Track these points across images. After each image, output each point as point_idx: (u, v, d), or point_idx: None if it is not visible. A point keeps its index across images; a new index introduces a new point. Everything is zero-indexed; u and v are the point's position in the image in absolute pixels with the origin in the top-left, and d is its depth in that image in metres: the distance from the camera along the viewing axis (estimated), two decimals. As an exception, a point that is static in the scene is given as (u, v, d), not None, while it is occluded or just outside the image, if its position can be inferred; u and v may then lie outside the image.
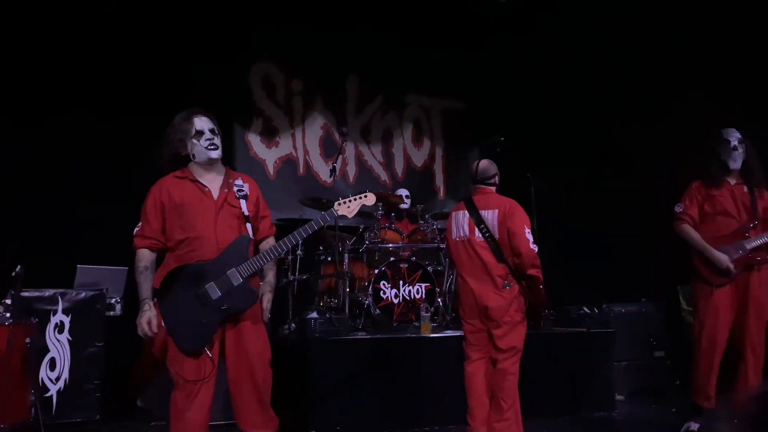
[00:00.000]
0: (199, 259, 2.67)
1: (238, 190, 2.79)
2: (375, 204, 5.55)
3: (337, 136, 6.72)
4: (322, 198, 5.51)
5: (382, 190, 5.99)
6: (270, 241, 2.93)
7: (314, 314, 4.24)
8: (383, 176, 7.27)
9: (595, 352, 4.82)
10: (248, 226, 2.78)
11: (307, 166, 6.81)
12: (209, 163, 2.78)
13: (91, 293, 4.19)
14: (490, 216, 3.50)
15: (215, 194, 2.77)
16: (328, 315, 4.32)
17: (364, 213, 6.13)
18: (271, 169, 6.61)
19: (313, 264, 5.41)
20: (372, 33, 6.83)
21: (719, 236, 3.77)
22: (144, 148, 5.60)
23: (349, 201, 2.87)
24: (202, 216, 2.72)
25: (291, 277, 5.17)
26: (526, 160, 5.82)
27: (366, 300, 4.85)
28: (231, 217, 2.77)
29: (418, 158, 7.58)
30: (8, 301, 3.41)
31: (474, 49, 7.25)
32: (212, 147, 2.76)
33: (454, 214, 3.64)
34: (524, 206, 5.21)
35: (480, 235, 3.44)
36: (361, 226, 5.62)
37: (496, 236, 3.42)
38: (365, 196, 2.89)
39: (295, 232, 2.77)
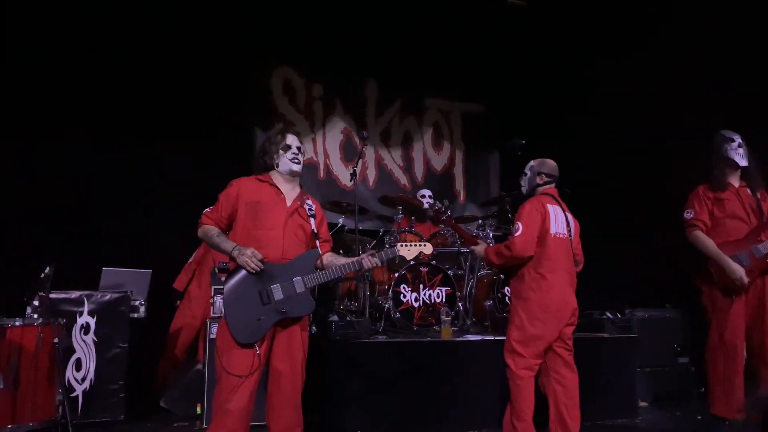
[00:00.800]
0: (264, 256, 2.84)
1: (309, 209, 3.04)
2: (394, 207, 5.65)
3: (357, 140, 6.76)
4: (342, 202, 5.54)
5: (402, 194, 5.99)
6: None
7: (334, 317, 4.25)
8: (403, 180, 7.28)
9: (617, 357, 4.76)
10: (316, 242, 3.03)
11: (328, 170, 6.85)
12: (291, 174, 3.04)
13: (116, 295, 4.26)
14: (571, 219, 3.60)
15: (289, 202, 3.00)
16: (348, 318, 4.33)
17: (383, 216, 6.20)
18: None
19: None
20: (390, 38, 6.85)
21: (731, 241, 3.72)
22: (166, 156, 5.80)
23: (411, 245, 3.09)
24: (274, 217, 2.93)
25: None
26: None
27: (386, 303, 4.86)
28: (298, 227, 2.99)
29: (438, 162, 7.58)
30: (36, 303, 3.48)
31: (492, 53, 7.24)
32: (296, 161, 3.04)
33: (550, 207, 3.52)
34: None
35: (571, 237, 3.55)
36: (381, 230, 5.63)
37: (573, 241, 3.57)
38: (424, 245, 3.12)
39: (365, 257, 3.01)
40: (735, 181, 3.83)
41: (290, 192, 3.03)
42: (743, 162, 3.79)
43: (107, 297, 4.22)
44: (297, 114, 6.77)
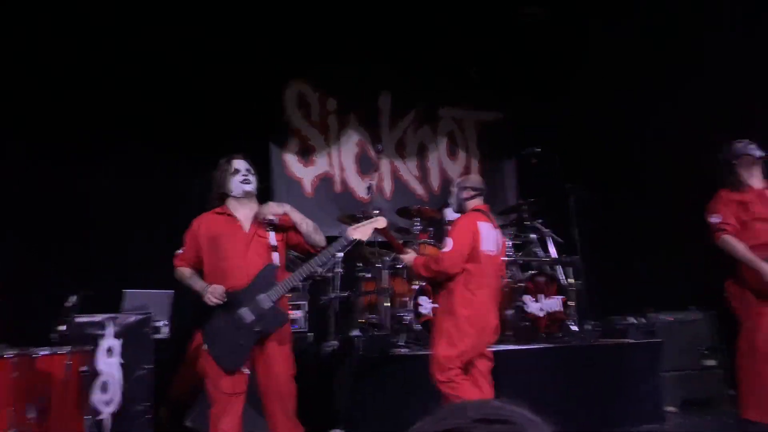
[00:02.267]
0: (231, 285, 3.02)
1: (268, 223, 3.14)
2: (411, 219, 5.65)
3: (372, 152, 6.78)
4: (358, 215, 5.55)
5: (419, 205, 5.97)
6: None
7: (357, 332, 4.26)
8: (419, 190, 7.28)
9: (642, 363, 4.73)
10: (274, 255, 3.11)
11: (344, 183, 6.88)
12: (245, 196, 3.18)
13: (139, 317, 4.29)
14: (500, 237, 3.71)
15: (246, 226, 3.14)
16: (370, 333, 4.34)
17: (401, 229, 6.19)
18: (308, 187, 6.69)
19: (353, 281, 5.44)
20: (402, 49, 6.88)
21: (759, 244, 3.62)
22: (184, 178, 5.86)
23: (362, 225, 3.19)
24: (234, 246, 3.09)
25: (332, 295, 5.20)
26: (564, 171, 5.76)
27: (407, 316, 4.85)
28: (262, 248, 3.11)
29: (454, 171, 7.56)
30: (63, 328, 3.53)
31: (504, 62, 7.24)
32: (247, 182, 3.18)
33: (481, 224, 3.59)
34: (562, 216, 5.22)
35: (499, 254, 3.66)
36: (401, 242, 5.62)
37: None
38: (376, 220, 3.20)
39: (315, 258, 3.16)
40: (756, 182, 3.76)
41: (248, 216, 3.15)
42: (758, 152, 3.74)
43: (131, 319, 4.25)
44: (311, 129, 6.81)
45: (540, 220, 5.61)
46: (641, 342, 4.81)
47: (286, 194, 6.42)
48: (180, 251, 3.22)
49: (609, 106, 6.73)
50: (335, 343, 4.42)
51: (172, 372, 4.72)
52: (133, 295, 4.55)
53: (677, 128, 6.02)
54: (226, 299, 2.99)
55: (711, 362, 5.25)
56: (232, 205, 3.18)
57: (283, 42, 6.47)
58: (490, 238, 3.60)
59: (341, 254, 5.28)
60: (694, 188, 4.98)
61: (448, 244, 3.52)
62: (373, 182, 5.03)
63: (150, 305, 4.55)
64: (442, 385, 3.40)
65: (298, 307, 4.53)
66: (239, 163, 3.22)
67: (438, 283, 3.64)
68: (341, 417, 4.06)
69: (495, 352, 4.47)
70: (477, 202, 3.78)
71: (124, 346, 4.19)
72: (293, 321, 4.53)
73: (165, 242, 5.47)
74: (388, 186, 7.10)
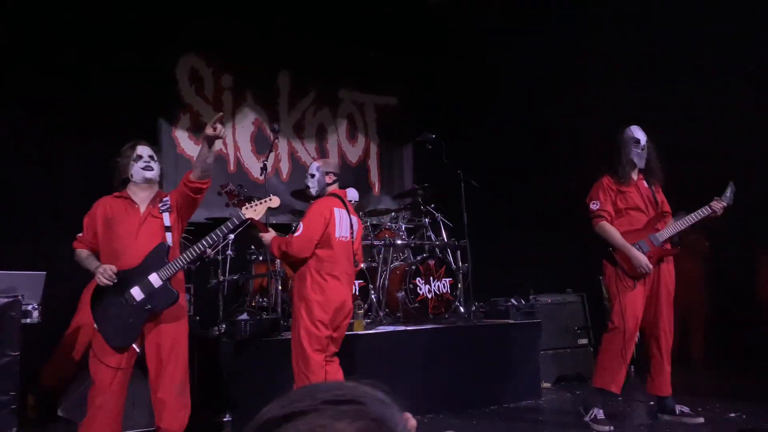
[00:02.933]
0: (123, 265, 3.05)
1: (162, 205, 3.16)
2: (307, 201, 5.60)
3: (268, 132, 6.64)
4: (252, 196, 5.42)
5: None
6: None
7: (244, 315, 4.18)
8: (317, 172, 7.22)
9: (522, 342, 4.99)
10: (168, 235, 3.15)
11: (238, 162, 6.69)
12: (148, 182, 3.20)
13: (5, 300, 3.97)
14: (356, 222, 3.83)
15: (142, 209, 3.18)
16: (258, 316, 4.28)
17: (296, 211, 6.13)
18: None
19: (244, 264, 5.33)
20: (303, 28, 6.76)
21: (632, 230, 3.97)
22: (63, 148, 5.47)
23: (255, 204, 3.22)
24: (127, 227, 3.12)
25: (221, 278, 5.07)
26: (458, 157, 5.93)
27: (298, 298, 4.82)
28: (155, 229, 3.14)
29: (353, 154, 7.58)
30: None
31: (407, 47, 7.31)
32: (148, 168, 3.19)
33: (336, 210, 3.69)
34: (456, 202, 5.39)
35: (353, 239, 3.76)
36: (294, 224, 5.57)
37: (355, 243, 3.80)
38: (270, 200, 3.24)
39: (206, 237, 3.14)
40: (634, 174, 4.07)
41: (145, 200, 3.19)
42: (642, 164, 4.06)
43: (-5, 302, 3.93)
44: (205, 104, 6.56)
45: (432, 205, 5.76)
46: (522, 322, 5.08)
47: (176, 173, 6.15)
48: (80, 234, 3.26)
49: (504, 93, 7.01)
50: (222, 327, 4.31)
51: (42, 359, 4.41)
52: (-1, 277, 4.19)
53: (566, 119, 6.38)
54: (116, 279, 3.02)
55: (583, 341, 5.66)
56: (132, 190, 3.22)
57: (174, 12, 6.14)
58: (344, 223, 3.71)
59: (232, 235, 5.17)
60: (577, 176, 5.31)
61: (300, 228, 3.62)
62: (267, 162, 4.91)
63: (19, 288, 4.21)
64: (299, 369, 3.51)
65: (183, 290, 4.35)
66: (142, 150, 3.24)
67: (293, 267, 3.75)
68: (229, 402, 3.99)
69: (384, 333, 4.62)
70: (335, 187, 3.89)
71: (-14, 332, 3.87)
72: (178, 304, 4.36)
73: (38, 219, 5.14)
74: (285, 167, 7.00)
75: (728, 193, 3.97)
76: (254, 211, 3.17)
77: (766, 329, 5.51)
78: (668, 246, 4.00)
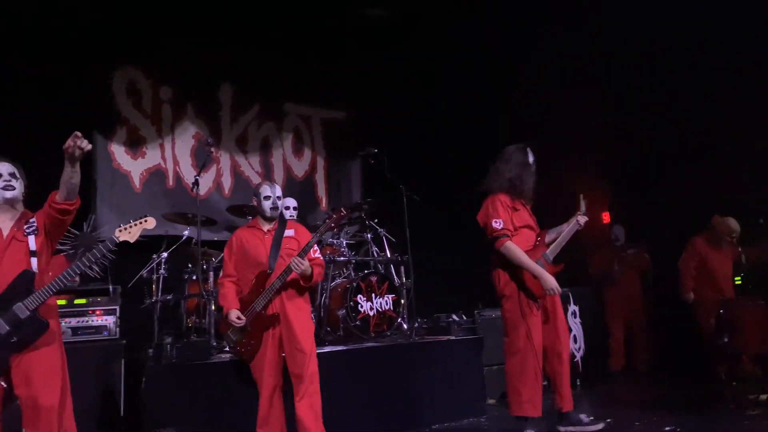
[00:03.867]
0: None
1: (28, 227, 2.91)
2: (245, 217, 5.45)
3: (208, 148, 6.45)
4: (188, 213, 5.26)
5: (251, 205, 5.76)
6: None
7: (170, 339, 4.00)
8: (262, 187, 7.06)
9: (465, 358, 4.92)
10: (33, 261, 2.89)
11: (177, 177, 6.48)
12: (5, 203, 2.93)
13: None
14: None
15: (6, 231, 2.91)
16: (186, 338, 4.10)
17: (234, 227, 5.95)
18: (137, 181, 6.22)
19: (179, 283, 5.14)
20: (247, 41, 6.63)
21: (529, 249, 3.84)
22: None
23: (130, 226, 3.01)
24: None
25: (154, 298, 4.87)
26: (402, 171, 5.87)
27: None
28: (19, 254, 2.88)
29: (299, 168, 7.45)
30: None
31: (352, 61, 7.25)
32: (8, 188, 2.92)
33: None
34: (397, 216, 5.31)
35: None
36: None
37: None
38: (145, 221, 3.04)
39: (77, 261, 2.93)
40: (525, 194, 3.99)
41: (7, 221, 2.94)
42: (531, 187, 3.99)
43: None
44: (143, 118, 6.35)
45: (376, 220, 5.67)
46: (463, 338, 5.02)
47: (110, 188, 5.94)
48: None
49: (445, 107, 7.01)
50: (150, 350, 4.11)
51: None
52: None
53: (511, 131, 6.39)
54: None
55: (528, 355, 5.61)
56: None
57: (110, 21, 5.94)
58: None
59: (165, 254, 4.98)
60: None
61: (318, 251, 3.88)
62: (200, 177, 4.76)
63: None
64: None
65: (109, 313, 4.14)
66: (1, 167, 2.96)
67: (308, 288, 3.83)
68: (155, 428, 3.79)
69: (325, 354, 4.47)
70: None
71: None
72: (104, 328, 4.15)
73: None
74: (227, 182, 6.83)
75: (582, 206, 4.02)
76: (128, 233, 2.98)
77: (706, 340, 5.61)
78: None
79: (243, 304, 3.70)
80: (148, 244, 5.03)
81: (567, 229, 3.97)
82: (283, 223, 3.85)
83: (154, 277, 4.95)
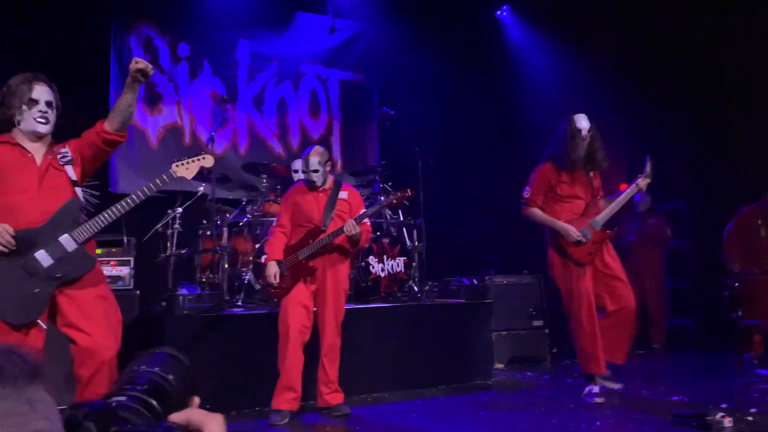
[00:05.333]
0: (21, 224, 2.51)
1: (62, 157, 2.68)
2: (259, 176, 5.46)
3: (223, 104, 6.44)
4: (204, 169, 5.26)
5: (269, 163, 5.77)
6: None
7: (183, 290, 4.06)
8: (278, 148, 7.05)
9: (474, 322, 4.94)
10: (78, 190, 2.69)
11: (194, 135, 6.48)
12: (34, 135, 2.67)
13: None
14: None
15: (39, 159, 2.66)
16: (201, 291, 4.15)
17: (248, 186, 5.99)
18: (153, 138, 6.24)
19: (194, 238, 5.19)
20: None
21: (574, 218, 3.95)
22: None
23: (188, 162, 2.88)
24: (24, 179, 2.59)
25: (169, 252, 4.93)
26: (416, 134, 5.83)
27: (246, 275, 4.71)
28: (56, 183, 2.65)
29: (315, 130, 7.40)
30: None
31: (371, 23, 7.15)
32: (43, 120, 2.65)
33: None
34: (412, 179, 5.29)
35: None
36: (245, 199, 5.44)
37: None
38: (203, 158, 2.93)
39: (132, 194, 2.71)
40: (575, 163, 3.98)
41: (39, 149, 2.68)
42: (583, 153, 3.95)
43: None
44: (160, 74, 6.33)
45: (390, 183, 5.65)
46: (473, 302, 5.03)
47: (127, 144, 5.91)
48: None
49: (471, 73, 6.90)
50: (163, 302, 4.18)
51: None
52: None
53: (532, 98, 6.31)
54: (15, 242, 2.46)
55: (538, 323, 5.64)
56: (19, 137, 2.66)
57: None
58: None
59: (180, 209, 5.02)
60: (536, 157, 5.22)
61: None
62: (215, 134, 4.76)
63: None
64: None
65: (123, 264, 4.21)
66: (41, 92, 2.64)
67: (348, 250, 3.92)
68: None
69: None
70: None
71: None
72: (118, 278, 4.22)
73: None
74: (243, 141, 6.81)
75: (647, 167, 3.96)
76: (186, 170, 2.86)
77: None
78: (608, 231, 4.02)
79: (287, 250, 3.83)
80: (164, 199, 5.07)
81: (624, 193, 3.98)
82: (338, 185, 3.97)
83: (169, 232, 4.99)
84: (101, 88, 5.93)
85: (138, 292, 4.22)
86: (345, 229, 3.65)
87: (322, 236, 3.74)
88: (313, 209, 3.87)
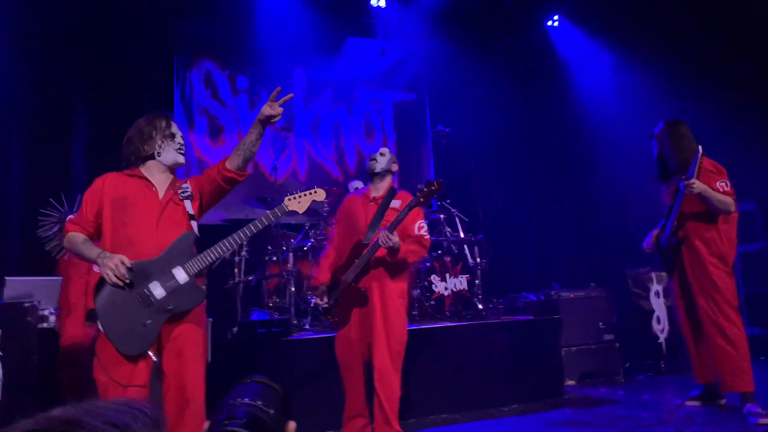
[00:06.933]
0: (138, 254, 2.57)
1: (183, 192, 2.75)
2: (320, 201, 5.56)
3: (283, 132, 6.63)
4: (267, 197, 5.43)
5: (333, 187, 5.89)
6: None
7: (256, 316, 4.16)
8: (335, 171, 7.20)
9: (543, 339, 4.83)
10: (193, 224, 2.73)
11: (255, 164, 6.69)
12: (174, 166, 2.79)
13: (22, 305, 4.03)
14: None
15: (161, 193, 2.73)
16: (272, 316, 4.25)
17: (310, 210, 6.09)
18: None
19: (260, 264, 5.33)
20: (315, 25, 6.75)
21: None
22: (74, 157, 5.55)
23: (300, 196, 2.91)
24: (145, 210, 2.66)
25: (237, 279, 5.07)
26: (472, 150, 5.82)
27: (312, 298, 4.78)
28: (175, 217, 2.71)
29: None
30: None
31: (420, 43, 7.23)
32: (181, 152, 2.79)
33: None
34: (470, 194, 5.27)
35: None
36: (307, 224, 5.55)
37: None
38: (315, 192, 2.94)
39: (244, 228, 2.76)
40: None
41: (163, 183, 2.74)
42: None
43: (12, 307, 3.99)
44: (221, 107, 6.59)
45: (448, 200, 5.65)
46: (541, 318, 4.93)
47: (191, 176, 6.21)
48: (73, 215, 2.78)
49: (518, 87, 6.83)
50: (235, 329, 4.30)
51: (59, 364, 4.47)
52: (15, 283, 4.26)
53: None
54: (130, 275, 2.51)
55: (609, 336, 5.47)
56: (150, 170, 2.74)
57: (184, 16, 6.19)
58: None
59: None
60: (603, 169, 5.16)
61: (424, 226, 3.49)
62: (277, 162, 4.90)
63: (36, 293, 4.28)
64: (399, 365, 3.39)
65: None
66: (176, 128, 2.81)
67: (402, 267, 3.46)
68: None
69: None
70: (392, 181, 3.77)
71: (5, 337, 3.93)
72: (192, 306, 4.37)
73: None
74: (302, 167, 6.98)
75: (693, 169, 3.66)
76: (298, 203, 2.89)
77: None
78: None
79: (337, 273, 3.51)
80: (231, 228, 5.24)
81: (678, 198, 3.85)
82: (392, 192, 3.56)
83: (236, 259, 5.15)
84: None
85: (210, 319, 4.35)
86: (380, 241, 3.24)
87: (364, 252, 3.36)
88: (360, 220, 3.51)
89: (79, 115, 5.70)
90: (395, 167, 3.71)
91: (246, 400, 0.97)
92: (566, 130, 6.64)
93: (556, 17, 7.45)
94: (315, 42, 6.87)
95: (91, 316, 2.65)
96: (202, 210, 2.84)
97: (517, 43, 7.31)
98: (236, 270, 5.11)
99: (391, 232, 3.24)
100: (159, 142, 2.73)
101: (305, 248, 5.13)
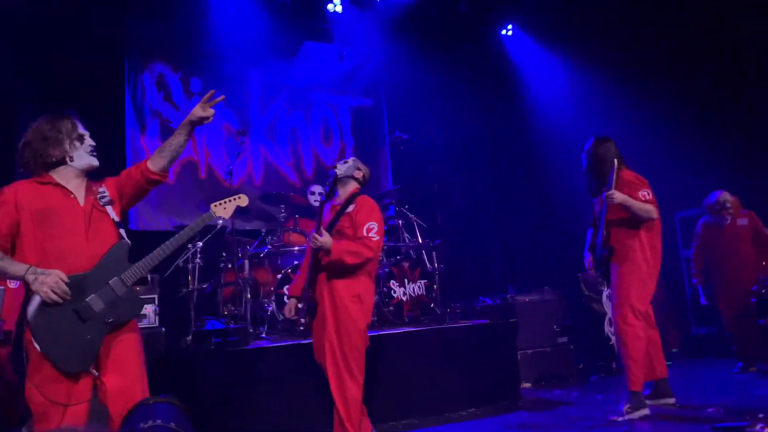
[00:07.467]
0: (69, 269, 2.47)
1: (101, 197, 2.65)
2: (278, 206, 5.50)
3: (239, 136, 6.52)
4: (240, 208, 5.32)
5: (285, 192, 5.80)
6: None
7: (209, 325, 4.07)
8: (292, 176, 7.12)
9: (499, 342, 4.89)
10: (122, 232, 2.66)
11: (209, 168, 6.56)
12: (88, 170, 2.66)
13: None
14: None
15: (81, 200, 2.61)
16: (225, 326, 4.16)
17: (266, 216, 6.03)
18: (170, 174, 6.28)
19: (215, 272, 5.21)
20: (271, 28, 6.68)
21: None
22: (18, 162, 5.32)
23: (225, 202, 2.96)
24: (71, 222, 2.55)
25: (191, 287, 4.94)
26: (430, 156, 5.87)
27: (269, 306, 4.72)
28: (101, 225, 2.62)
29: (328, 157, 7.46)
30: None
31: (377, 49, 7.24)
32: (94, 154, 2.66)
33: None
34: (428, 200, 5.28)
35: None
36: (263, 230, 5.47)
37: None
38: (239, 197, 3.00)
39: (174, 236, 2.72)
40: None
41: (79, 188, 2.63)
42: None
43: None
44: (174, 111, 6.44)
45: (406, 206, 5.67)
46: (498, 322, 4.99)
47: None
48: None
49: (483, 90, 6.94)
50: (189, 338, 4.19)
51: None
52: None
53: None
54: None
55: (563, 339, 5.59)
56: (63, 176, 2.60)
57: (136, 18, 6.02)
58: None
59: (200, 243, 5.05)
60: (553, 175, 5.24)
61: (374, 227, 3.44)
62: (232, 167, 4.82)
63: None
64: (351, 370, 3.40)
65: (148, 302, 4.23)
66: (83, 128, 2.66)
67: (349, 270, 3.43)
68: (193, 415, 3.86)
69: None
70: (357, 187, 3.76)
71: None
72: (143, 316, 4.24)
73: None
74: (258, 172, 6.88)
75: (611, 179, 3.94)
76: (224, 209, 2.94)
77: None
78: None
79: (309, 280, 3.54)
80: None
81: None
82: (351, 198, 3.60)
83: (190, 266, 5.01)
84: (116, 125, 6.03)
85: (163, 329, 4.23)
86: (310, 242, 3.36)
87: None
88: (323, 227, 3.49)
89: (23, 115, 5.47)
90: (358, 173, 3.73)
91: (160, 422, 0.94)
92: (523, 136, 6.77)
93: (510, 26, 7.58)
94: (271, 45, 6.79)
95: None
96: (122, 213, 2.76)
97: (473, 50, 7.41)
98: (190, 278, 4.97)
99: (318, 232, 3.36)
100: (68, 146, 2.59)
101: (261, 255, 5.05)
